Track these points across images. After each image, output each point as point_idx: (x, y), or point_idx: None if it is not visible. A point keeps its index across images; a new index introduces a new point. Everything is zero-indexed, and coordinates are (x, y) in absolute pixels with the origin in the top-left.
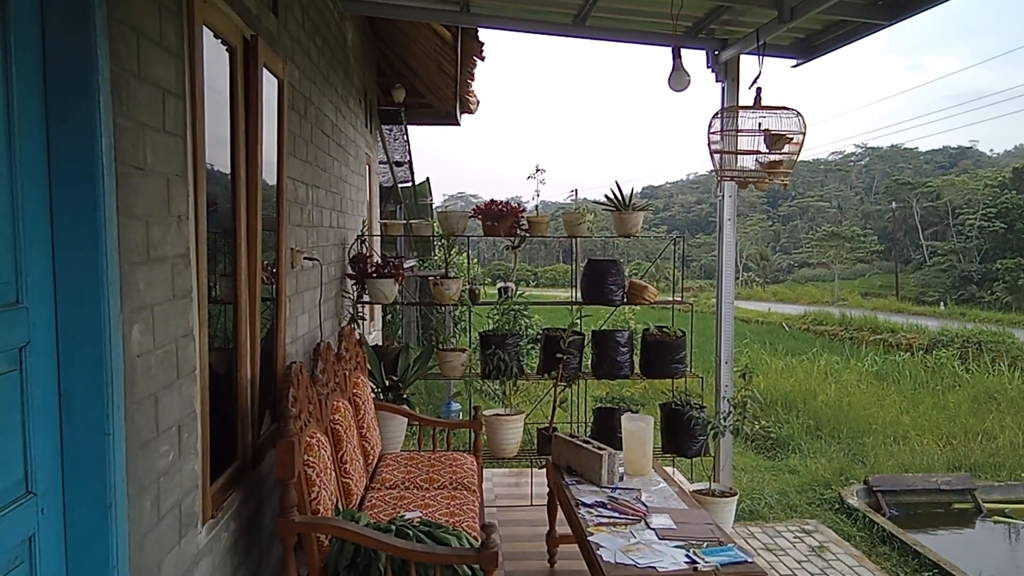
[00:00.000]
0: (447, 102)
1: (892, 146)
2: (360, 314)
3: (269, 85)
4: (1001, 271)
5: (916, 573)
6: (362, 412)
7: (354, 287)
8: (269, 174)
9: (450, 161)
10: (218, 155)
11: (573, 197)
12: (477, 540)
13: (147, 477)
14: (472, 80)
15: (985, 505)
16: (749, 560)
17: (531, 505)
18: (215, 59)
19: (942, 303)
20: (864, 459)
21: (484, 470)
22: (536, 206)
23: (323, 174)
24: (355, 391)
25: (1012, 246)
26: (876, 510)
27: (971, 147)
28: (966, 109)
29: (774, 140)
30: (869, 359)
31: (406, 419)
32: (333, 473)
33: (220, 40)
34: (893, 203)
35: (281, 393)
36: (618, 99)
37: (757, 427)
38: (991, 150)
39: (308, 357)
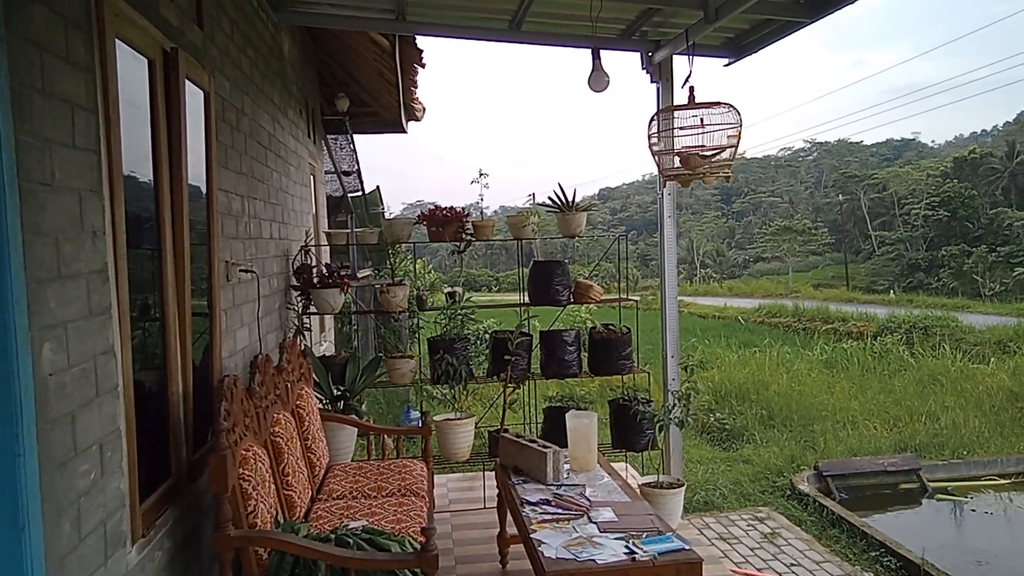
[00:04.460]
0: (392, 110)
1: (839, 140)
2: (306, 325)
3: (193, 97)
4: (946, 258)
5: (864, 553)
6: (307, 424)
7: (299, 298)
8: (199, 186)
9: (409, 169)
10: (141, 169)
11: (531, 201)
12: (419, 545)
13: (65, 497)
14: (415, 87)
15: (930, 484)
16: (686, 547)
17: (484, 508)
18: (133, 72)
19: (891, 291)
20: (815, 445)
21: (438, 476)
22: (482, 210)
23: (261, 185)
24: (298, 403)
25: (956, 233)
26: (826, 494)
27: (914, 139)
28: (908, 102)
29: (686, 160)
30: (820, 348)
31: (355, 429)
32: (273, 486)
33: (137, 53)
34: (841, 196)
35: (214, 407)
36: (576, 102)
37: (712, 419)
38: (933, 141)
39: (248, 371)
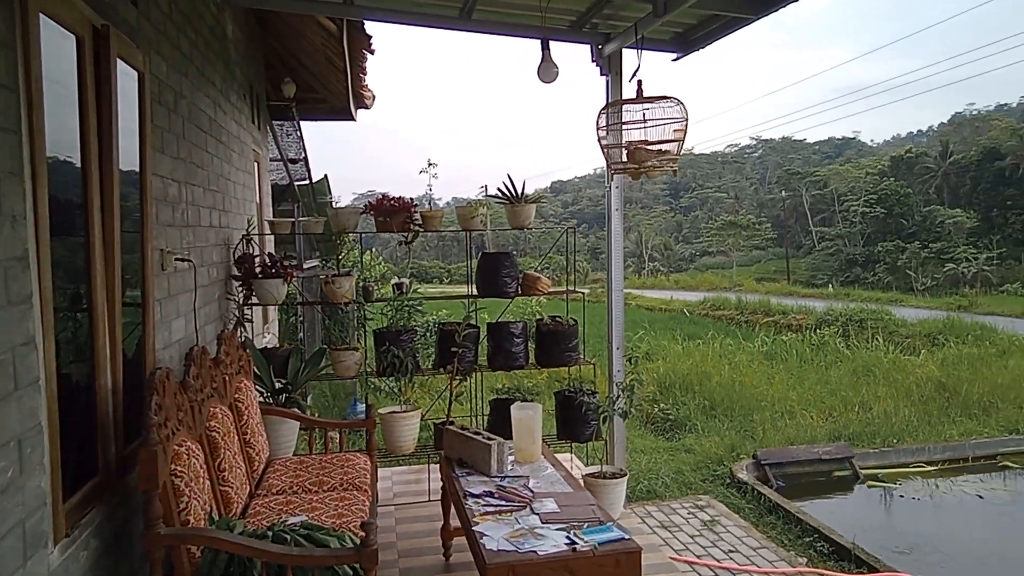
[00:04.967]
0: (340, 97)
1: (783, 138)
2: (247, 316)
3: (127, 78)
4: (882, 253)
5: (799, 539)
6: (245, 418)
7: (240, 288)
8: (133, 171)
9: (359, 158)
10: (69, 152)
11: (483, 192)
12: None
13: None
14: (364, 74)
15: (862, 471)
16: (626, 537)
17: (429, 501)
18: (59, 50)
19: (830, 285)
20: (754, 435)
21: (383, 469)
22: (432, 200)
23: (200, 171)
24: (237, 396)
25: (891, 230)
26: (764, 482)
27: (854, 137)
28: (849, 101)
29: (632, 153)
30: (761, 340)
31: (298, 423)
32: (207, 482)
33: (64, 30)
34: (784, 192)
35: (145, 401)
36: (531, 94)
37: (656, 410)
38: (872, 140)
39: (183, 363)
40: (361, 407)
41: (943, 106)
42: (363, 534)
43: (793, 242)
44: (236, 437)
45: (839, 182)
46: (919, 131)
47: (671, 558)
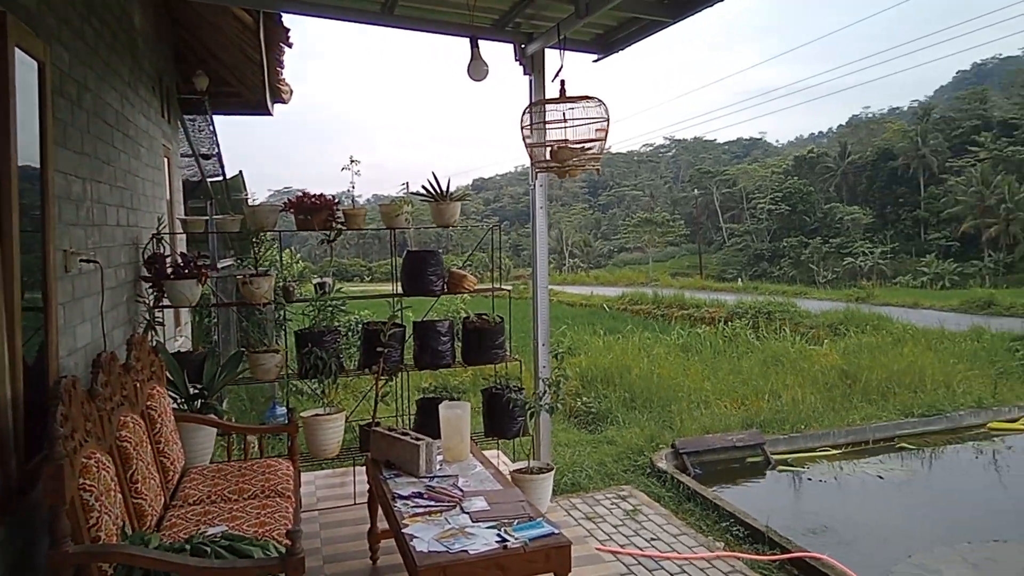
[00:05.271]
0: (256, 91)
1: (695, 138)
2: (158, 319)
3: (25, 68)
4: (787, 248)
5: (716, 524)
6: (159, 426)
7: (150, 290)
8: (33, 167)
9: (275, 155)
10: None
11: (404, 190)
12: (285, 548)
13: None
14: (282, 68)
15: (773, 457)
16: (556, 531)
17: (354, 504)
18: None
19: (739, 279)
20: (672, 425)
21: (306, 473)
22: (353, 198)
23: (106, 167)
24: (149, 403)
25: (795, 226)
26: (682, 471)
27: (760, 138)
28: (756, 103)
29: (555, 152)
30: (676, 333)
31: (215, 429)
32: (119, 495)
33: None
34: (696, 190)
35: (49, 412)
36: (454, 92)
37: (579, 404)
38: (777, 141)
39: (90, 370)
40: (281, 410)
41: (842, 109)
42: (288, 542)
43: (705, 238)
44: (149, 446)
45: (747, 181)
46: (820, 132)
47: (597, 549)
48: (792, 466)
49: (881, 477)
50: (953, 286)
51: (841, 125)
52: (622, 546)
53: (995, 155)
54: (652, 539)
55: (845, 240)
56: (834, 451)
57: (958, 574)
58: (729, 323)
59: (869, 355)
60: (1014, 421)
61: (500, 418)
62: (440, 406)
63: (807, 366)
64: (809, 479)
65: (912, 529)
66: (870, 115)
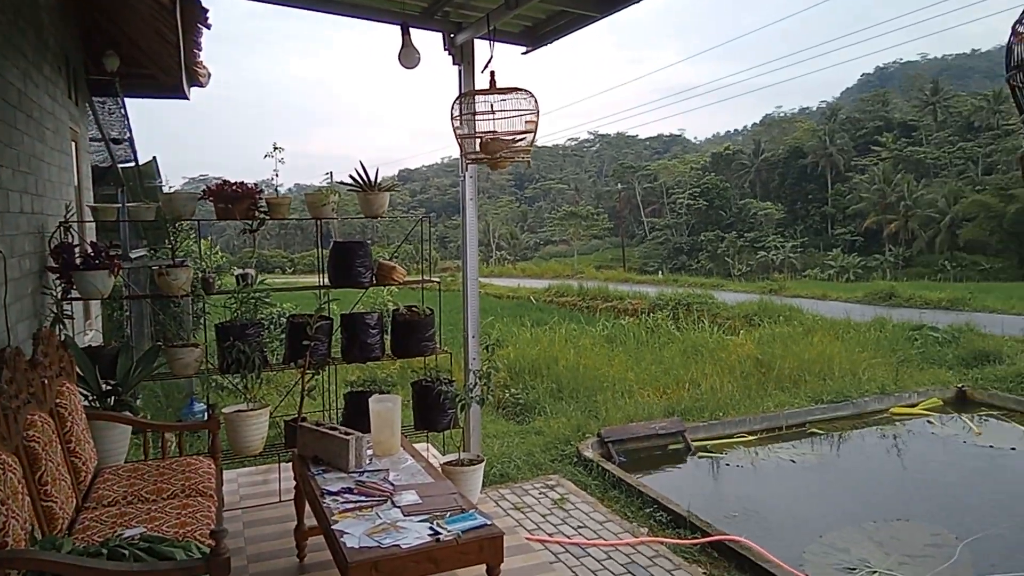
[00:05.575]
0: (172, 73)
1: (618, 134)
2: (67, 312)
3: None
4: (704, 242)
5: (640, 510)
6: (69, 424)
7: (58, 282)
8: None
9: (193, 141)
10: None
11: (329, 179)
12: (209, 549)
13: None
14: (199, 50)
15: (693, 444)
16: (488, 523)
17: (280, 502)
18: None
19: (660, 272)
20: (598, 414)
21: (228, 471)
22: (276, 187)
23: (8, 151)
24: (58, 401)
25: (712, 220)
26: (608, 459)
27: (680, 135)
28: (675, 101)
29: (485, 144)
30: (601, 325)
31: (129, 427)
32: (27, 498)
33: None
34: (620, 185)
35: None
36: (377, 83)
37: (507, 395)
38: (695, 137)
39: None
40: (200, 407)
41: (756, 108)
42: (212, 542)
43: (628, 232)
44: (59, 446)
45: (667, 176)
46: (735, 130)
47: (526, 538)
48: (711, 452)
49: (794, 461)
50: (857, 279)
51: (755, 124)
52: (550, 535)
53: (896, 155)
54: (579, 527)
55: (759, 235)
56: (750, 437)
57: (865, 551)
58: (651, 315)
59: (782, 345)
60: (913, 406)
61: (430, 411)
62: (371, 400)
63: (724, 356)
64: (727, 464)
65: (823, 510)
66: (782, 114)
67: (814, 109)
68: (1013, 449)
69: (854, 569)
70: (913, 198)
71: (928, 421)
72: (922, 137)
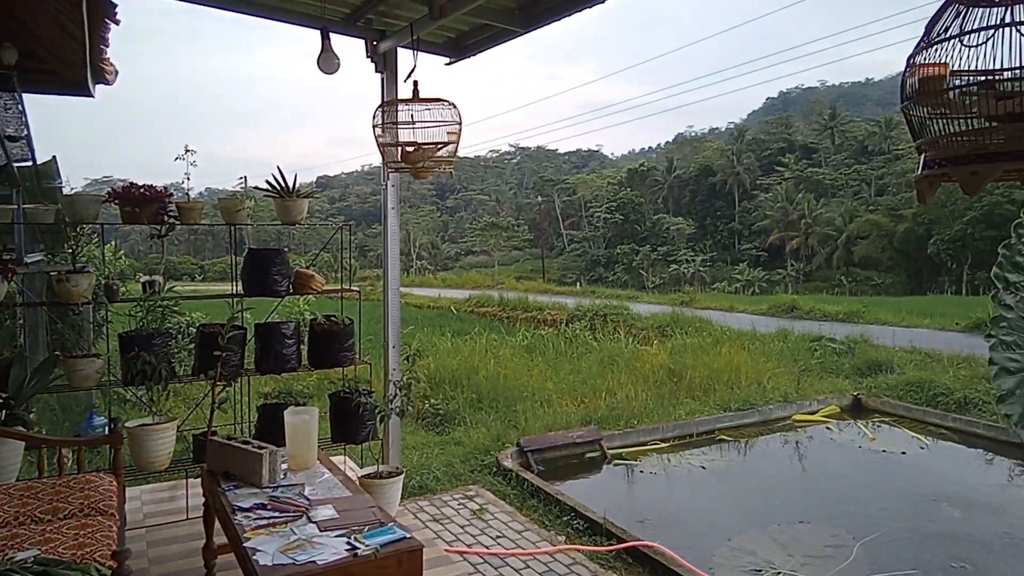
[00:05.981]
0: (76, 69)
1: (538, 147)
2: None
3: None
4: (620, 255)
5: (558, 518)
6: None
7: None
8: None
9: (96, 141)
10: None
11: (243, 184)
12: (110, 571)
13: None
14: (106, 46)
15: (609, 452)
16: (407, 536)
17: (187, 519)
18: None
19: (578, 283)
20: (517, 424)
21: (131, 488)
22: (187, 191)
23: None
24: None
25: (628, 234)
26: (527, 468)
27: (598, 150)
28: (593, 117)
29: (407, 154)
30: (521, 335)
31: (22, 443)
32: None
33: None
34: (540, 197)
35: None
36: (302, 88)
37: (427, 405)
38: (612, 153)
39: None
40: (100, 420)
41: (669, 127)
42: (114, 563)
43: (547, 244)
44: None
45: (585, 190)
46: (650, 148)
47: (445, 550)
48: (626, 459)
49: (704, 467)
50: (762, 292)
51: (668, 142)
52: (469, 546)
53: (797, 175)
54: (498, 536)
55: (671, 248)
56: (663, 444)
57: (770, 553)
58: (569, 325)
59: (692, 355)
60: (814, 413)
61: (348, 423)
62: (286, 412)
63: (639, 365)
64: (641, 471)
65: (732, 514)
66: (693, 134)
67: (723, 129)
68: (903, 453)
69: (760, 571)
70: (813, 216)
71: (827, 427)
72: (821, 159)
